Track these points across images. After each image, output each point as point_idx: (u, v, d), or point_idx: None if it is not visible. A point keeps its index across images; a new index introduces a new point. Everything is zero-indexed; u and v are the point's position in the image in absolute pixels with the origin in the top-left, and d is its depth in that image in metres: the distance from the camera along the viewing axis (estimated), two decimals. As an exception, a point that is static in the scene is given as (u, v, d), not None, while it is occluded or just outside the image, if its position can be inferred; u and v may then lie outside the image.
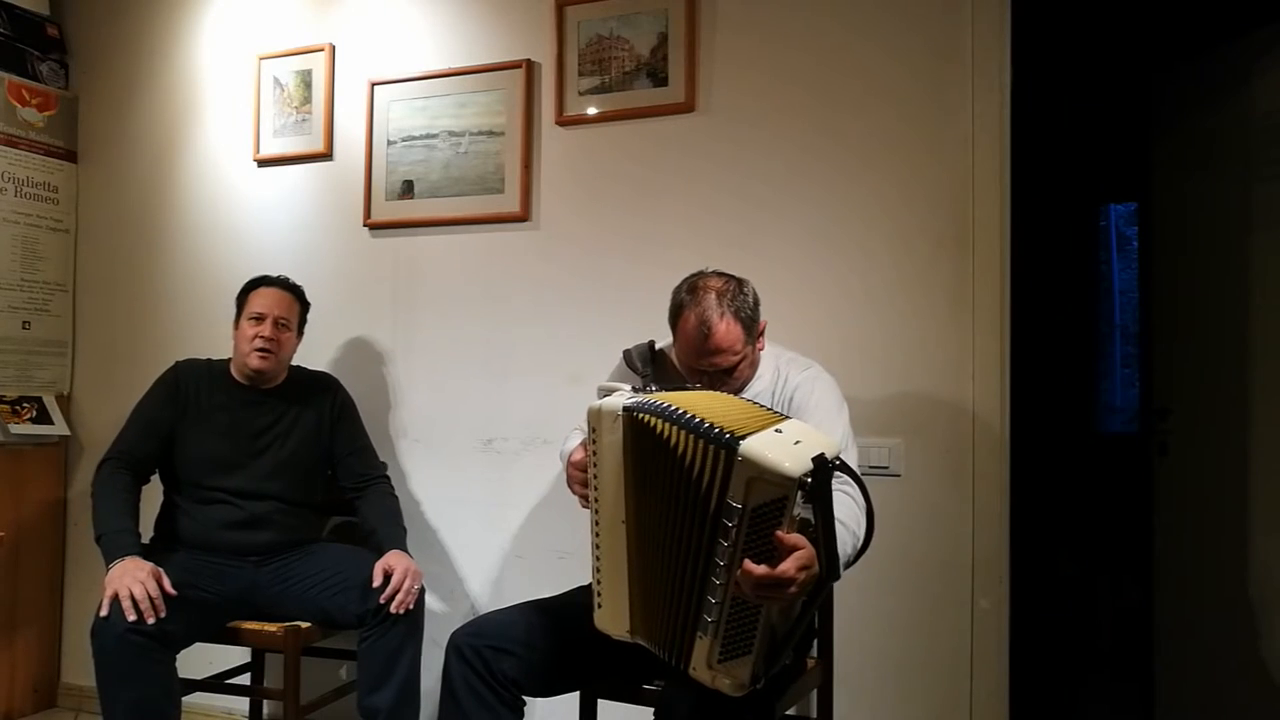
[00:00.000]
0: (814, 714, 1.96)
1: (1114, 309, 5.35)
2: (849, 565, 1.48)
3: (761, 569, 1.31)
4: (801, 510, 1.33)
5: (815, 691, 1.91)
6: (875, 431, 2.11)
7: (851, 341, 2.16)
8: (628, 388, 1.58)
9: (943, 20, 2.13)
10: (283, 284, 2.34)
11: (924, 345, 2.13)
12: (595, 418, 1.54)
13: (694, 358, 1.69)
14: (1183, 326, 2.76)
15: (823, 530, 1.34)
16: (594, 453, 1.56)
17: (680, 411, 1.43)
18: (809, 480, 1.31)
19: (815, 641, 1.89)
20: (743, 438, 1.34)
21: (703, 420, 1.40)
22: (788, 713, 1.77)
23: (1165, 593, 2.80)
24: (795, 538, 1.32)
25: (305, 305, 2.39)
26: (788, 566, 1.30)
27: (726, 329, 1.66)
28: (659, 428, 1.45)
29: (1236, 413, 2.54)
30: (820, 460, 1.32)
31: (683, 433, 1.41)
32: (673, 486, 1.43)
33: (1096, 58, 3.98)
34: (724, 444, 1.34)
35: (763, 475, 1.30)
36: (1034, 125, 2.69)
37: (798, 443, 1.33)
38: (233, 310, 2.34)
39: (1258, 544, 2.48)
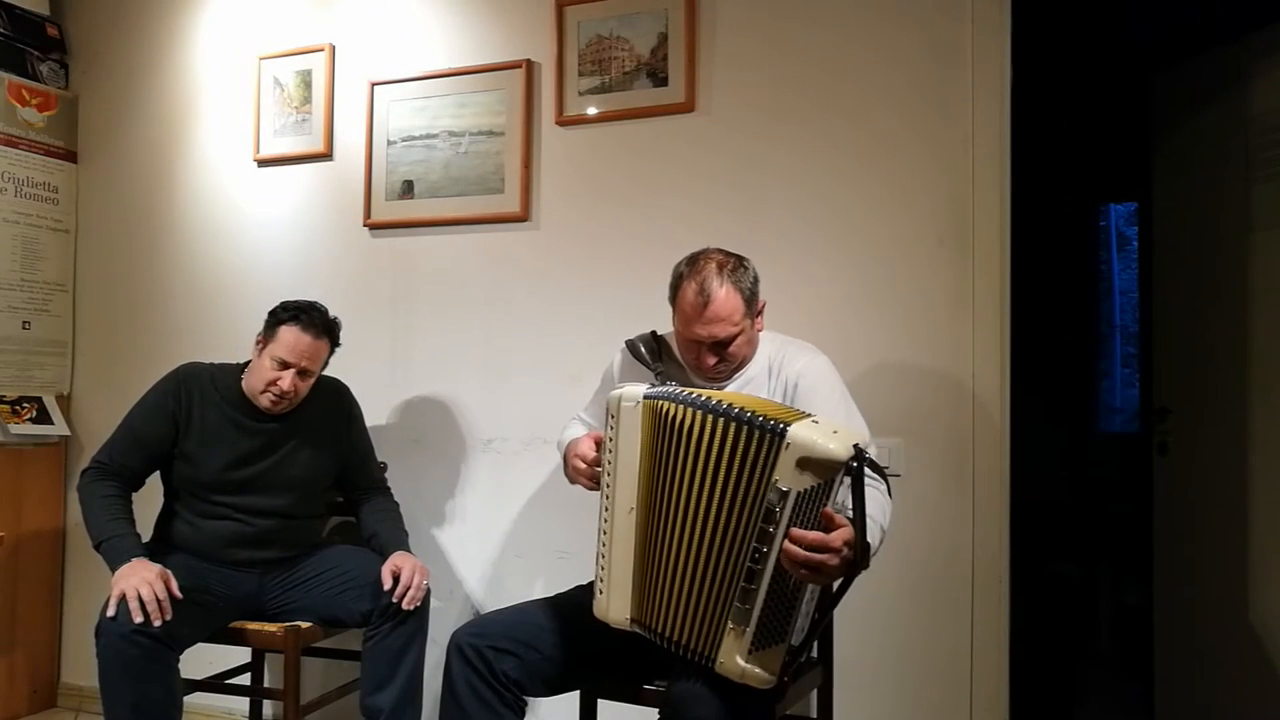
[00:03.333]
0: (814, 714, 1.96)
1: (1114, 309, 5.35)
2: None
3: (814, 534, 1.35)
4: (844, 498, 1.38)
5: (815, 691, 1.91)
6: (875, 431, 2.09)
7: (852, 341, 2.16)
8: (644, 386, 1.61)
9: (943, 21, 2.13)
10: (319, 327, 2.14)
11: (924, 345, 2.13)
12: (615, 405, 1.58)
13: (692, 326, 1.69)
14: (1183, 326, 2.76)
15: (859, 516, 1.38)
16: (611, 439, 1.59)
17: (715, 401, 1.47)
18: (854, 465, 1.36)
19: (815, 642, 1.88)
20: (787, 424, 1.38)
21: (743, 408, 1.43)
22: (788, 713, 1.77)
23: (1165, 593, 2.80)
24: (842, 518, 1.38)
25: (335, 344, 2.22)
26: (835, 538, 1.35)
27: (726, 296, 1.66)
28: (685, 415, 1.48)
29: (1236, 413, 2.54)
30: (858, 448, 1.37)
31: (719, 420, 1.44)
32: (706, 476, 1.46)
33: (1096, 58, 3.98)
34: (770, 429, 1.38)
35: (811, 459, 1.34)
36: (1034, 125, 2.69)
37: (836, 431, 1.38)
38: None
39: (1257, 544, 2.48)
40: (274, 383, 2.11)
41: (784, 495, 1.36)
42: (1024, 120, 2.19)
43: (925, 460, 2.11)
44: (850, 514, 1.39)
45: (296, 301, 2.19)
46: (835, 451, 1.34)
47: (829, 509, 1.37)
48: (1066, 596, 4.19)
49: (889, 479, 1.60)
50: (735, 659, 1.42)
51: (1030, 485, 2.47)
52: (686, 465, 1.48)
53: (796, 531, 1.36)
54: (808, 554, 1.35)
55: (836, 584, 1.41)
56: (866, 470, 1.45)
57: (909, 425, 2.12)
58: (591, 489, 1.69)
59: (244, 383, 2.19)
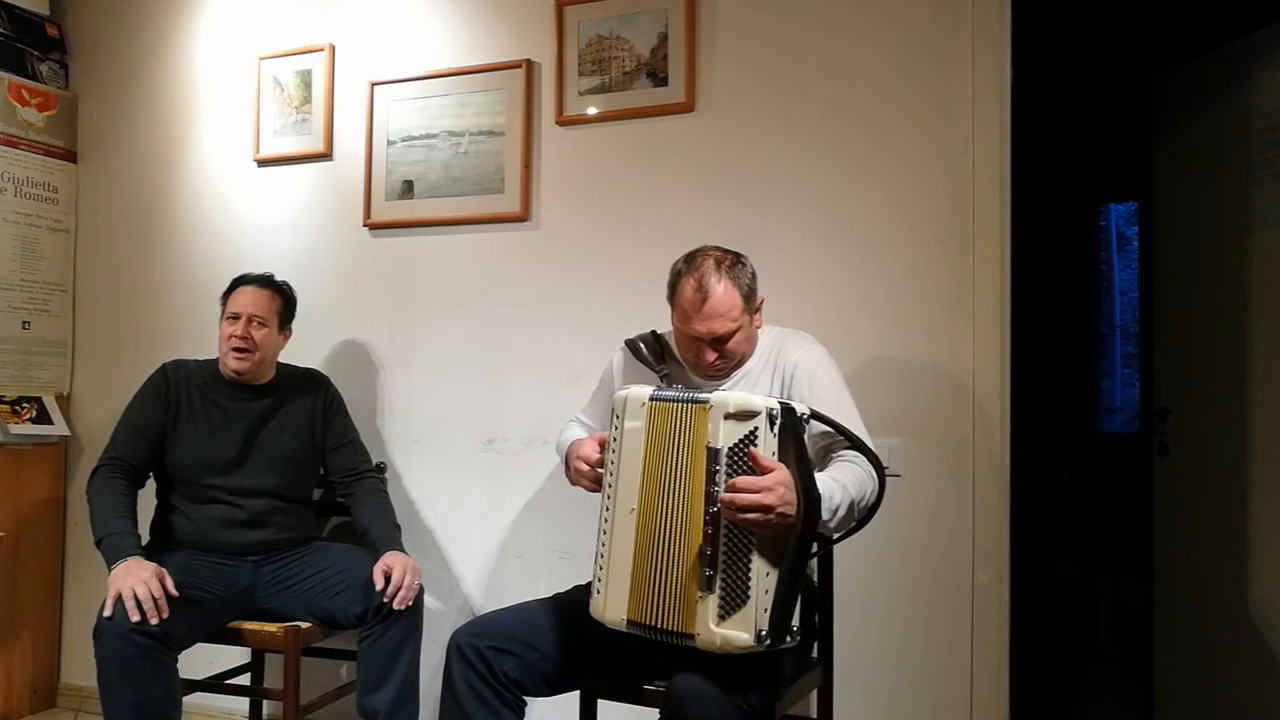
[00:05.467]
0: (814, 714, 1.96)
1: (1114, 309, 5.35)
2: (849, 523, 1.57)
3: (743, 479, 1.42)
4: (776, 447, 1.46)
5: (815, 692, 1.91)
6: (875, 431, 2.10)
7: (851, 342, 2.16)
8: (650, 387, 1.63)
9: (943, 20, 2.13)
10: (261, 281, 2.32)
11: (924, 345, 2.13)
12: (621, 406, 1.61)
13: (691, 322, 1.70)
14: (1183, 326, 2.76)
15: (796, 467, 1.43)
16: (615, 439, 1.61)
17: (689, 392, 1.57)
18: (775, 412, 1.45)
19: (815, 642, 1.89)
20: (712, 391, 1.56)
21: (693, 391, 1.58)
22: (788, 713, 1.77)
23: (1165, 593, 2.80)
24: (773, 461, 1.44)
25: (288, 300, 2.36)
26: (767, 478, 1.41)
27: (724, 291, 1.68)
28: (676, 410, 1.55)
29: (1236, 413, 2.54)
30: (786, 405, 1.48)
31: (672, 406, 1.55)
32: (673, 458, 1.53)
33: (1096, 58, 3.98)
34: (696, 400, 1.53)
35: (731, 413, 1.47)
36: (1034, 125, 2.68)
37: (768, 395, 1.53)
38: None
39: (1257, 543, 2.48)
40: (230, 335, 2.24)
41: (717, 453, 1.47)
42: (1024, 120, 2.18)
43: (925, 460, 2.11)
44: (824, 471, 1.54)
45: None
46: (753, 401, 1.47)
47: (755, 450, 1.44)
48: (1066, 596, 4.19)
49: (880, 466, 1.60)
50: (709, 626, 1.45)
51: (1030, 485, 2.47)
52: (670, 451, 1.54)
53: (730, 481, 1.43)
54: (743, 496, 1.40)
55: (794, 537, 1.44)
56: (850, 455, 1.60)
57: (909, 425, 2.12)
58: (593, 491, 1.69)
59: (219, 364, 2.31)
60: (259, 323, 2.26)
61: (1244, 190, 2.55)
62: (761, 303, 1.79)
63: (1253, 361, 2.52)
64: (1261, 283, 2.50)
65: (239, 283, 2.33)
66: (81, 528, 2.91)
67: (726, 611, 1.45)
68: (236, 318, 2.24)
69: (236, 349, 2.23)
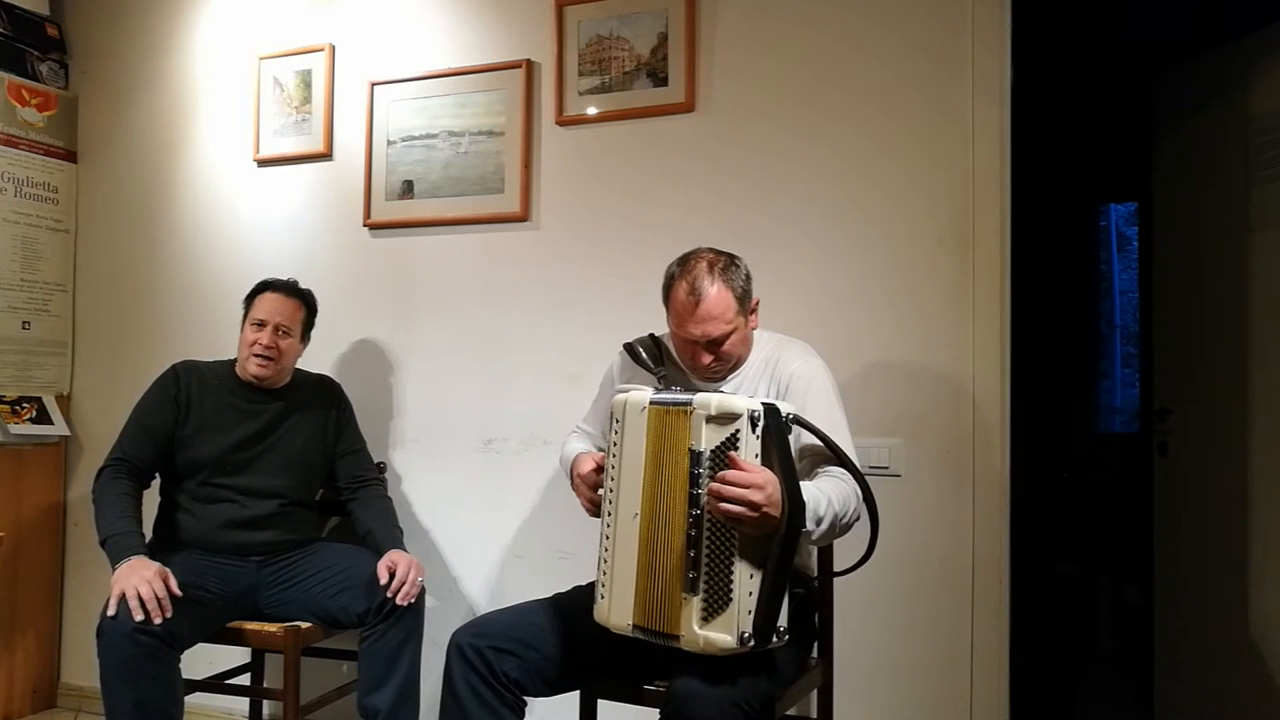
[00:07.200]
0: (814, 714, 1.96)
1: (1114, 309, 5.35)
2: (831, 536, 1.58)
3: (734, 473, 1.42)
4: (758, 449, 1.45)
5: (815, 692, 1.91)
6: (875, 431, 2.11)
7: (851, 342, 2.16)
8: (649, 389, 1.63)
9: (943, 20, 2.13)
10: (289, 289, 2.32)
11: (924, 345, 2.13)
12: (620, 409, 1.61)
13: (685, 325, 1.70)
14: (1183, 326, 2.76)
15: (780, 468, 1.43)
16: (615, 444, 1.60)
17: (680, 395, 1.56)
18: (757, 414, 1.45)
19: (816, 642, 1.89)
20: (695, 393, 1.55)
21: (685, 393, 1.57)
22: (788, 713, 1.77)
23: (1165, 593, 2.80)
24: (754, 465, 1.43)
25: (312, 310, 2.36)
26: (756, 477, 1.41)
27: (718, 294, 1.68)
28: (668, 414, 1.54)
29: (1236, 413, 2.54)
30: (770, 406, 1.47)
31: (672, 409, 1.54)
32: (667, 462, 1.53)
33: (1096, 58, 3.98)
34: (680, 403, 1.53)
35: (713, 415, 1.47)
36: (1034, 125, 2.69)
37: (751, 397, 1.53)
38: (235, 310, 2.34)
39: (1257, 544, 2.48)
40: (255, 342, 2.23)
41: (699, 456, 1.47)
42: (1024, 120, 2.19)
43: (925, 461, 2.11)
44: (810, 483, 1.52)
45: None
46: (734, 403, 1.46)
47: (734, 454, 1.44)
48: (1066, 596, 4.19)
49: (864, 480, 1.60)
50: (693, 628, 1.45)
51: (1030, 486, 2.47)
52: (667, 457, 1.53)
53: (720, 474, 1.43)
54: (729, 489, 1.40)
55: (778, 540, 1.43)
56: (835, 470, 1.59)
57: (909, 425, 2.12)
58: (591, 514, 1.70)
59: (236, 366, 2.30)
60: (284, 332, 2.25)
61: (1244, 190, 2.55)
62: (757, 304, 1.79)
63: (1253, 361, 2.52)
64: (1261, 283, 2.50)
65: (265, 287, 2.31)
66: (81, 528, 2.91)
67: (710, 613, 1.45)
68: (262, 325, 2.23)
69: (259, 355, 2.22)
